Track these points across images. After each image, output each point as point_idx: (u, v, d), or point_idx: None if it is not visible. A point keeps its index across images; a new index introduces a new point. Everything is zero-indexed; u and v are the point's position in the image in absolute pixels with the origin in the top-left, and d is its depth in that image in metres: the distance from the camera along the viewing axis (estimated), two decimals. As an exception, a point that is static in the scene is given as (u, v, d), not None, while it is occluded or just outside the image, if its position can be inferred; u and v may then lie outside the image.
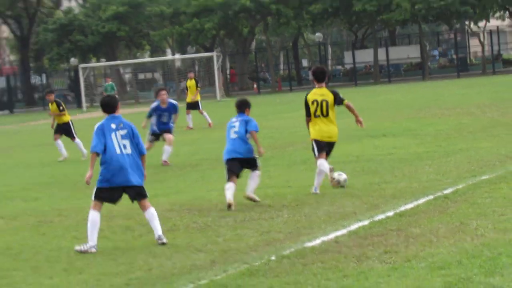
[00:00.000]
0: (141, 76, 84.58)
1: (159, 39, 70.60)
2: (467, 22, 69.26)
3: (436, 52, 79.50)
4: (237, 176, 12.59)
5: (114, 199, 10.39)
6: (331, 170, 13.18)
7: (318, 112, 13.26)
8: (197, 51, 77.77)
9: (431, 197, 11.81)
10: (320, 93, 13.33)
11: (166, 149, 19.19)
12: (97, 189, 10.27)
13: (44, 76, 78.79)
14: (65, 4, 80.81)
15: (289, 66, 75.42)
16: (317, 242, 9.53)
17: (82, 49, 71.33)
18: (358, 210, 11.37)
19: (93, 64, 71.61)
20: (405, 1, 60.41)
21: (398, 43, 75.84)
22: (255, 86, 70.57)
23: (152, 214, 10.28)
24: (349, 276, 7.89)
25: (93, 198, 10.27)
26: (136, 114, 42.58)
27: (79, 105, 63.72)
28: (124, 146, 10.24)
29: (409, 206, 11.28)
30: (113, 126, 10.30)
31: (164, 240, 10.15)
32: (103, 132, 10.26)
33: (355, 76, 66.78)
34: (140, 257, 9.59)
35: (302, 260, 8.69)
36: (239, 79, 75.35)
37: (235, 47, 77.28)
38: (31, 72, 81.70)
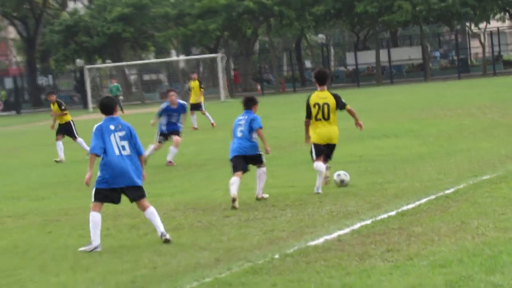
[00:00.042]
0: (146, 77, 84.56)
1: (163, 40, 70.66)
2: (467, 24, 69.17)
3: (437, 53, 79.40)
4: (243, 171, 12.84)
5: (114, 200, 10.44)
6: (327, 169, 13.42)
7: (320, 116, 13.33)
8: (201, 52, 77.81)
9: (433, 196, 11.87)
10: (322, 96, 13.40)
11: (171, 150, 19.28)
12: (96, 190, 10.32)
13: (50, 77, 78.91)
14: (70, 6, 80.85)
15: (293, 67, 75.36)
16: (320, 240, 9.58)
17: (87, 50, 71.34)
18: (360, 209, 11.44)
19: (99, 65, 71.56)
20: (406, 2, 60.43)
21: (400, 45, 75.66)
22: (258, 87, 70.51)
23: (151, 213, 10.36)
24: (352, 274, 7.95)
25: (92, 200, 10.33)
26: (142, 115, 42.68)
27: (85, 106, 63.72)
28: (123, 147, 10.29)
29: (411, 205, 11.34)
30: (112, 127, 10.35)
31: (168, 236, 10.21)
32: (101, 133, 10.30)
33: (357, 77, 66.76)
34: (145, 255, 9.64)
35: (305, 258, 8.74)
36: (242, 80, 75.32)
37: (238, 49, 77.28)
38: (37, 73, 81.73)
